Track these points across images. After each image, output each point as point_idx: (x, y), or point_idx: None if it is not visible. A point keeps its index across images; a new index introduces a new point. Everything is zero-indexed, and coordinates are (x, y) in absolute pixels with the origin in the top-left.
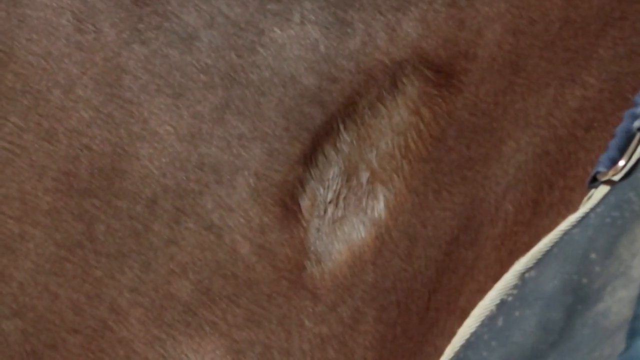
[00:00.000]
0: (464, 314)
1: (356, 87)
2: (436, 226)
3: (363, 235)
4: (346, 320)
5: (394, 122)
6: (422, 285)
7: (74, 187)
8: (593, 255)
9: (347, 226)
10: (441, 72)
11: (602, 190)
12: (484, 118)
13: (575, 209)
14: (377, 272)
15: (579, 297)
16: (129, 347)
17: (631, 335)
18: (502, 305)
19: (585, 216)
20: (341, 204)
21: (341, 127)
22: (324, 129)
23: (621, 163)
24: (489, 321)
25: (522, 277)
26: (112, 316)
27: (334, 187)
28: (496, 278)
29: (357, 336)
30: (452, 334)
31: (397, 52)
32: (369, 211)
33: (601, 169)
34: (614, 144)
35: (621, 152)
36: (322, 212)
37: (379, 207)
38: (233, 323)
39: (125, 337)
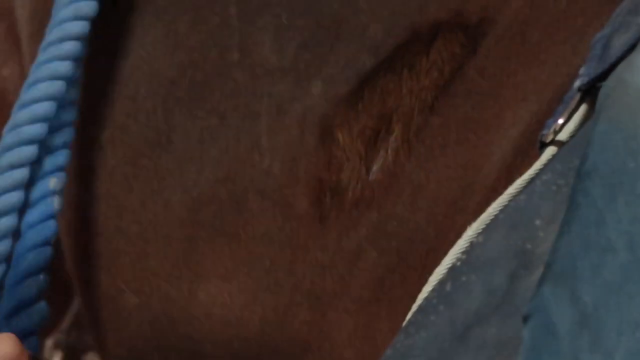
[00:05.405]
0: None
1: (405, 43)
2: (439, 183)
3: (375, 176)
4: (347, 254)
5: (422, 77)
6: (422, 241)
7: (172, 94)
8: (537, 222)
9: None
10: (469, 34)
11: (549, 152)
12: (491, 83)
13: None
14: (381, 212)
15: (522, 262)
16: None
17: (540, 284)
18: (451, 270)
19: (532, 182)
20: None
21: (385, 77)
22: (370, 74)
23: (560, 121)
24: (439, 286)
25: (471, 241)
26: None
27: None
28: None
29: (356, 272)
30: None
31: (442, 13)
32: (382, 151)
33: (545, 131)
34: (560, 108)
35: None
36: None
37: (390, 150)
38: (252, 235)
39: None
